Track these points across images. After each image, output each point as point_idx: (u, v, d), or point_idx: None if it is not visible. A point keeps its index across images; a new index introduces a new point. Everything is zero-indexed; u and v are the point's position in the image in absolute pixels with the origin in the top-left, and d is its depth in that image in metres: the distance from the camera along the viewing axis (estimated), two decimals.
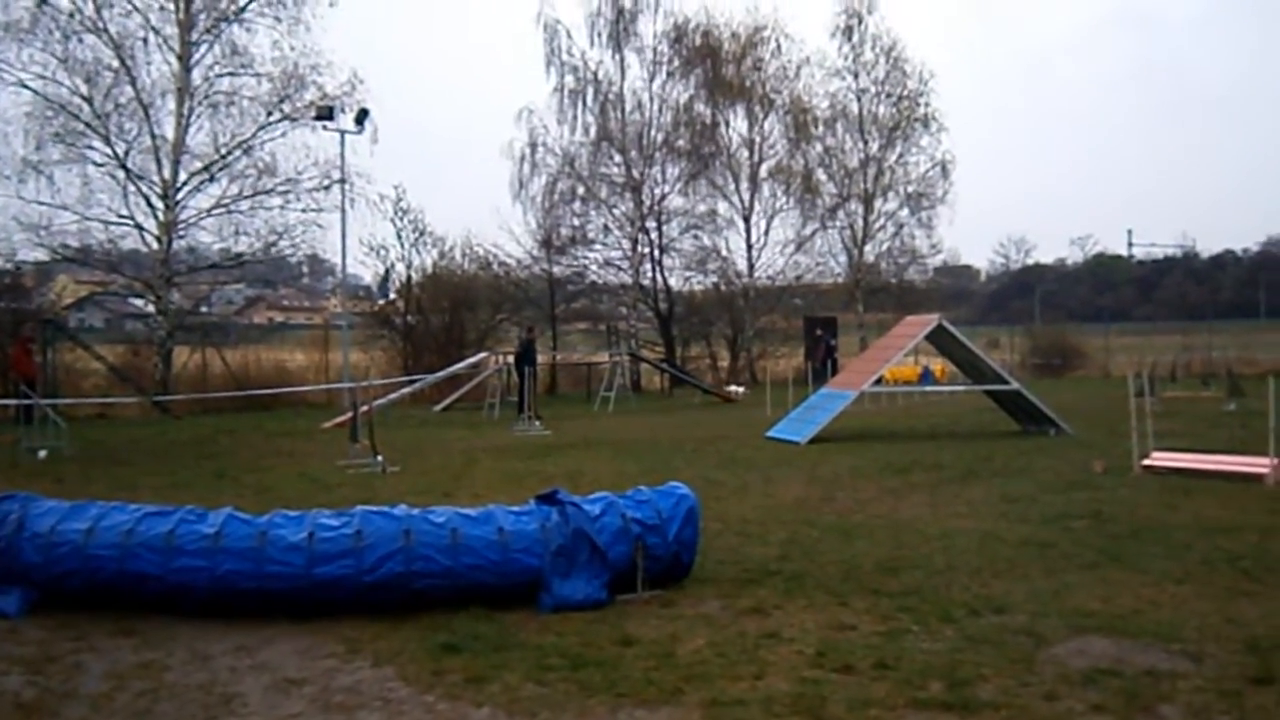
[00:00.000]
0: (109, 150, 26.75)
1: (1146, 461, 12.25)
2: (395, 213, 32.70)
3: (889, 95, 39.41)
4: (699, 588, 6.99)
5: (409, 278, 33.49)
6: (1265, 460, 11.44)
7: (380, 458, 13.84)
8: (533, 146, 36.41)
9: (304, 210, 28.67)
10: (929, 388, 27.93)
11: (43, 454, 15.35)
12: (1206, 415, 19.94)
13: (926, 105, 39.44)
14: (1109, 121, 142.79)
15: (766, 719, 4.66)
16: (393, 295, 33.97)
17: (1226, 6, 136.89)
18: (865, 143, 39.49)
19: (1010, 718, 4.64)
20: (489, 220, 58.82)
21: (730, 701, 4.86)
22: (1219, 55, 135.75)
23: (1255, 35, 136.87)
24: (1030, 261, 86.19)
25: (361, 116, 28.35)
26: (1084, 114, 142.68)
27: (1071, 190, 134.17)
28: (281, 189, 28.35)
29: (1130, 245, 70.93)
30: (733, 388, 23.69)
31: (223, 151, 27.87)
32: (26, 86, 26.01)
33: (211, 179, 27.98)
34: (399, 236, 33.06)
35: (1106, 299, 68.59)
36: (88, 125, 26.51)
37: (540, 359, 25.87)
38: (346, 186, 28.63)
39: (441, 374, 27.34)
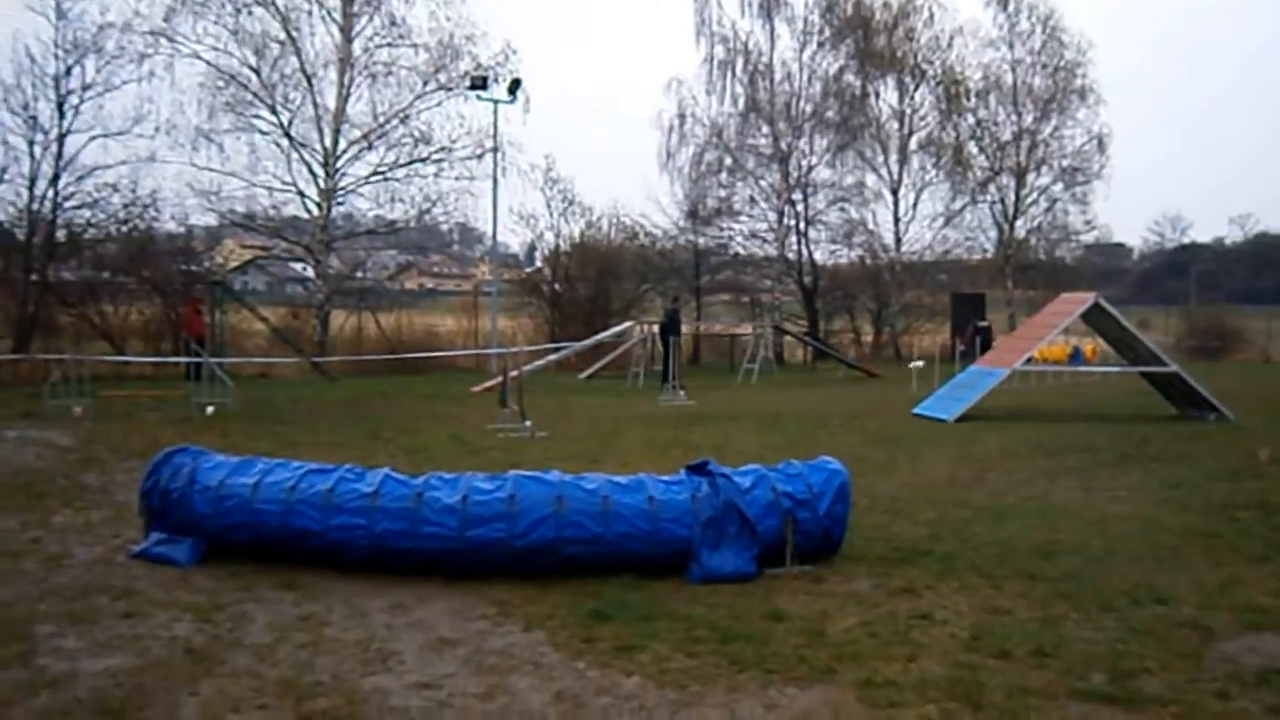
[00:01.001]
0: (275, 119, 27.91)
1: None
2: (545, 182, 33.15)
3: (1045, 66, 38.04)
4: (848, 565, 6.91)
5: (557, 246, 33.91)
6: None
7: (529, 423, 14.05)
8: (681, 117, 36.36)
9: (456, 179, 29.42)
10: (1081, 368, 26.93)
11: (210, 410, 16.05)
12: None
13: (1084, 76, 38.00)
14: (1272, 94, 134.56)
15: (922, 703, 4.58)
16: (540, 264, 34.44)
17: None
18: (1019, 115, 38.19)
19: (1180, 715, 4.47)
20: (636, 190, 59.31)
21: (884, 683, 4.79)
22: None
23: None
24: (1186, 240, 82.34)
25: (514, 86, 28.73)
26: (1246, 86, 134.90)
27: (1232, 166, 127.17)
28: (436, 157, 29.11)
29: None
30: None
31: (380, 120, 28.74)
32: (200, 58, 27.29)
33: (369, 147, 28.88)
34: (548, 205, 33.50)
35: (1267, 280, 64.87)
36: (255, 95, 27.68)
37: (684, 329, 25.85)
38: (498, 155, 29.14)
39: (587, 342, 27.59)
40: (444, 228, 36.13)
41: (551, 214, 33.46)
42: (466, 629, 5.64)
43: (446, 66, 28.93)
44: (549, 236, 34.00)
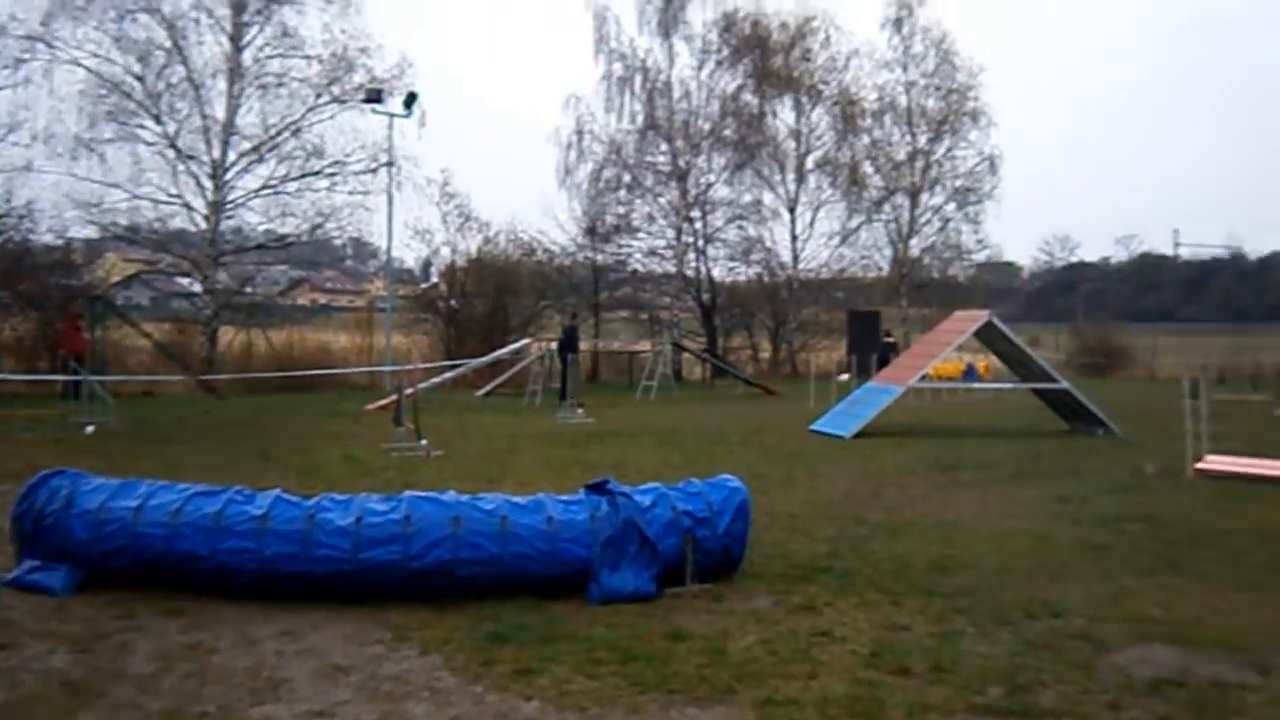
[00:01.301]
0: (160, 129, 27.07)
1: (1200, 465, 11.99)
2: (441, 197, 32.78)
3: (938, 88, 39.10)
4: (748, 583, 6.88)
5: (453, 262, 33.57)
6: None
7: (424, 442, 13.83)
8: (579, 134, 36.42)
9: (350, 193, 28.90)
10: (974, 384, 27.58)
11: (90, 429, 15.47)
12: (1258, 419, 19.56)
13: (975, 99, 39.11)
14: (1156, 120, 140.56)
15: None
16: (436, 280, 34.06)
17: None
18: (913, 136, 39.18)
19: None
20: (534, 206, 58.94)
21: (784, 701, 4.76)
22: (1270, 53, 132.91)
23: None
24: (1074, 260, 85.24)
25: (410, 100, 28.46)
26: (1131, 112, 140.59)
27: (1117, 189, 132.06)
28: (329, 171, 28.55)
29: (1176, 245, 69.89)
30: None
31: (272, 133, 28.07)
32: (81, 65, 26.34)
33: (260, 160, 28.21)
34: (444, 221, 33.15)
35: (1151, 299, 67.63)
36: (139, 104, 26.82)
37: (583, 346, 25.78)
38: (393, 170, 28.76)
39: (484, 359, 27.35)
40: (337, 242, 35.55)
41: (448, 229, 33.15)
42: (360, 654, 5.46)
43: (340, 79, 28.45)
44: (445, 252, 33.72)
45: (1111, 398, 20.96)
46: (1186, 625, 5.98)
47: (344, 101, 28.46)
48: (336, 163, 28.50)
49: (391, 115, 28.45)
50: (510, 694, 4.89)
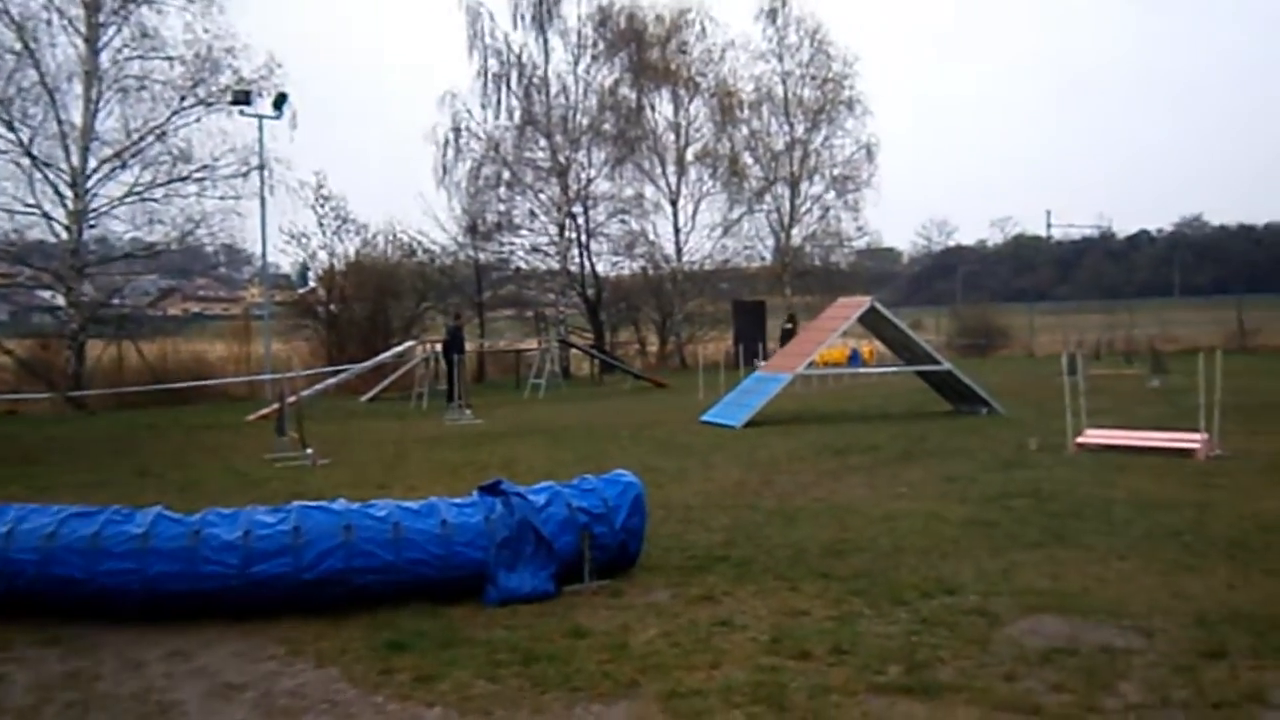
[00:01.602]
0: (13, 136, 25.86)
1: (1080, 439, 12.41)
2: (316, 200, 32.09)
3: (813, 78, 39.68)
4: (647, 576, 6.88)
5: (331, 266, 32.88)
6: (1196, 435, 11.67)
7: (310, 450, 13.52)
8: (456, 131, 35.98)
9: (221, 198, 28.03)
10: (860, 369, 28.10)
11: None
12: (1132, 392, 20.33)
13: (851, 89, 39.80)
14: (1027, 105, 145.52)
15: (727, 709, 4.56)
16: (314, 284, 33.33)
17: None
18: (791, 126, 39.73)
19: (972, 700, 4.60)
20: (413, 206, 58.00)
21: (688, 693, 4.76)
22: (1131, 40, 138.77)
23: (1164, 21, 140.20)
24: (952, 244, 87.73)
25: (280, 101, 27.78)
26: (1003, 97, 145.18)
27: (991, 173, 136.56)
28: (197, 176, 27.64)
29: (1049, 226, 72.13)
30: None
31: (134, 137, 27.05)
32: None
33: (123, 166, 27.16)
34: (320, 224, 32.44)
35: (1027, 279, 69.83)
36: None
37: (468, 346, 25.51)
38: (265, 173, 28.05)
39: (368, 364, 26.90)
40: (209, 249, 34.34)
41: (324, 232, 32.45)
42: (254, 671, 5.30)
43: (206, 80, 27.55)
44: (323, 256, 32.97)
45: (993, 377, 21.61)
46: (1074, 595, 6.17)
47: (211, 104, 27.59)
48: (205, 167, 27.64)
49: (261, 117, 27.75)
50: (412, 702, 4.80)
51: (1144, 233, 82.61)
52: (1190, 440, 11.68)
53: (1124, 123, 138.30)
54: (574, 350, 33.32)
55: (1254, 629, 5.39)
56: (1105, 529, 7.98)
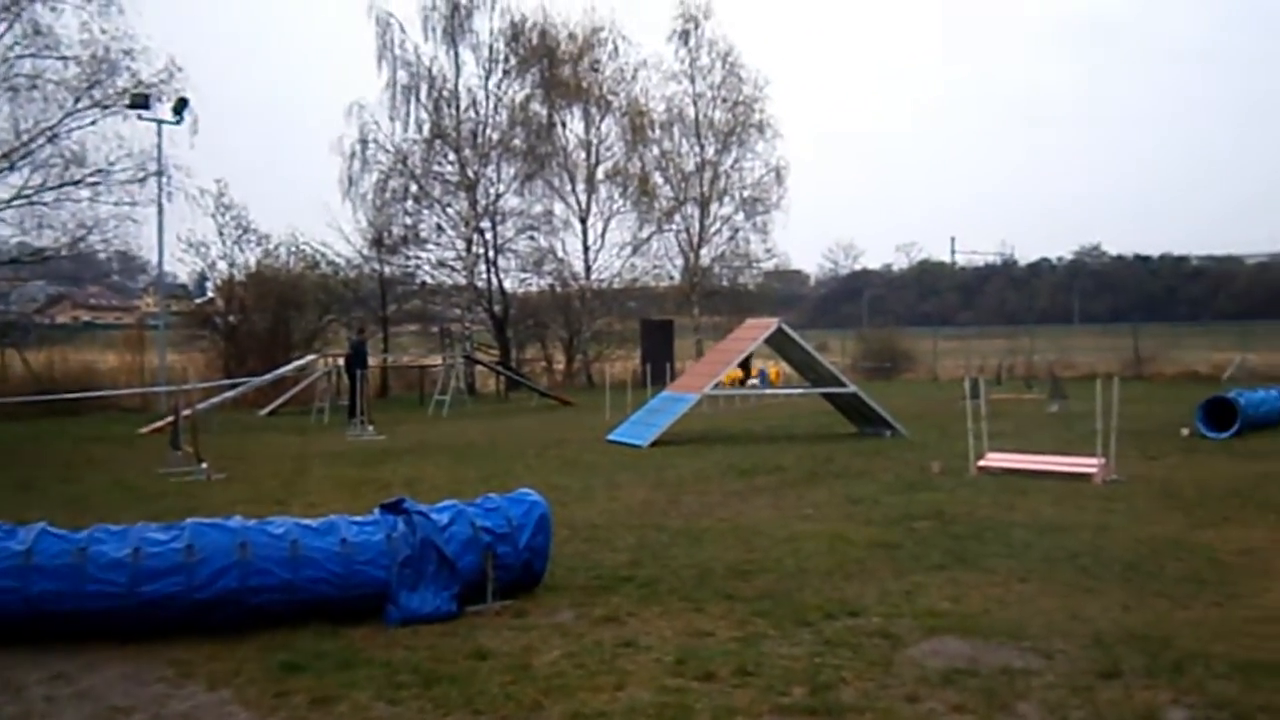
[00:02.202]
0: None
1: (981, 462, 12.66)
2: (216, 208, 31.29)
3: (725, 100, 40.01)
4: (551, 596, 6.82)
5: (231, 276, 32.10)
6: (1093, 460, 11.98)
7: (204, 465, 13.17)
8: (363, 143, 35.40)
9: (116, 204, 27.06)
10: (766, 390, 28.33)
11: None
12: (1031, 416, 20.84)
13: (761, 111, 40.21)
14: (934, 132, 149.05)
15: None
16: (212, 294, 32.56)
17: (1047, 28, 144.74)
18: (701, 147, 40.00)
19: None
20: (317, 218, 57.04)
21: (592, 714, 4.73)
22: (1032, 74, 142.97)
23: (1064, 54, 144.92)
24: (858, 267, 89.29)
25: (180, 106, 27.07)
26: (908, 125, 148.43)
27: (897, 197, 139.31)
28: (91, 180, 26.62)
29: (953, 252, 74.09)
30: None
31: (24, 139, 26.05)
32: None
33: (11, 168, 26.09)
34: (220, 233, 31.66)
35: (931, 304, 71.48)
36: None
37: (371, 361, 25.10)
38: (163, 179, 27.25)
39: (267, 377, 26.29)
40: (102, 256, 33.40)
41: (224, 242, 31.65)
42: (142, 694, 5.11)
43: (102, 82, 26.57)
44: (222, 266, 32.18)
45: (897, 400, 21.94)
46: (975, 616, 6.27)
47: (107, 106, 26.66)
48: (100, 171, 26.67)
49: (160, 122, 26.97)
50: None
51: (1045, 260, 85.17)
52: (1088, 465, 12.00)
53: (1026, 153, 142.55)
54: (480, 367, 33.04)
55: (1147, 650, 5.53)
56: (1006, 551, 8.14)
